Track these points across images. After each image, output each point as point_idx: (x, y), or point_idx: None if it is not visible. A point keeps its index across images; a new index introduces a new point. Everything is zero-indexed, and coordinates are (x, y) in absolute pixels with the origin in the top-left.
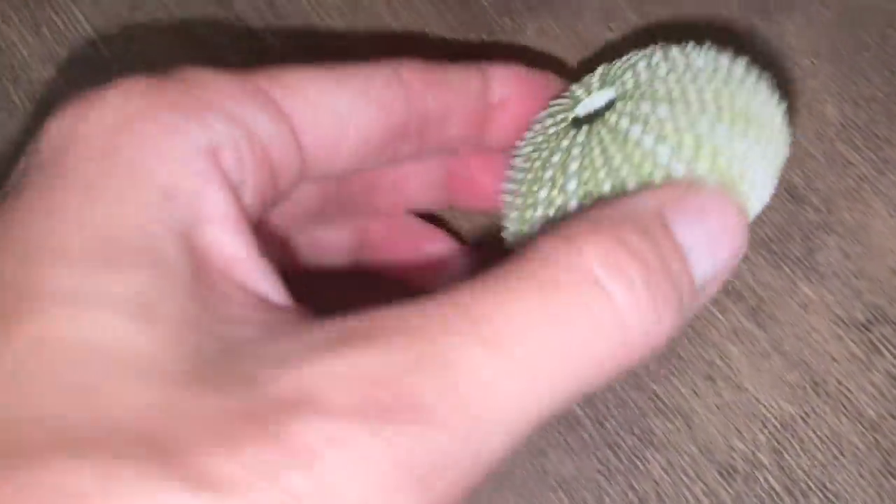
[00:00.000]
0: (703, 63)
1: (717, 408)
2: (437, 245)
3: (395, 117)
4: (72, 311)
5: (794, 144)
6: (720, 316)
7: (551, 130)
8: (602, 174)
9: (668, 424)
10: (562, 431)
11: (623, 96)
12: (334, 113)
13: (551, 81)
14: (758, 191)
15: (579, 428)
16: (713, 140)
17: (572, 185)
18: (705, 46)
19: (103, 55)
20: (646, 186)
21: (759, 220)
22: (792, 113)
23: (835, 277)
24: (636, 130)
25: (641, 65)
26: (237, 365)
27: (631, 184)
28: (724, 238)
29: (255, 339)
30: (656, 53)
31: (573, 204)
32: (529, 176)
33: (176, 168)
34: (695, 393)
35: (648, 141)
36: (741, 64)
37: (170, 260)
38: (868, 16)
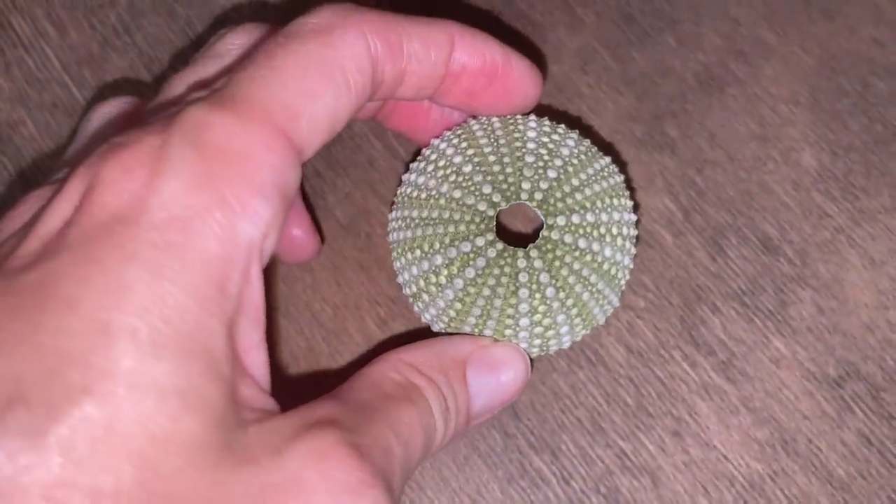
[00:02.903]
0: (612, 255)
1: (685, 465)
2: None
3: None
4: (137, 395)
5: (769, 193)
6: (690, 371)
7: (466, 219)
8: (482, 300)
9: (635, 482)
10: (527, 489)
11: (542, 247)
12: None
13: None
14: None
15: (545, 486)
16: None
17: (457, 284)
18: (631, 229)
19: (75, 97)
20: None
21: (732, 273)
22: (768, 161)
23: (808, 332)
24: (524, 297)
25: (584, 217)
26: (250, 449)
27: (491, 320)
28: (505, 390)
29: (254, 421)
30: (602, 207)
31: (446, 295)
32: (417, 234)
33: (230, 263)
34: (662, 450)
35: (525, 316)
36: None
37: (217, 353)
38: (849, 62)
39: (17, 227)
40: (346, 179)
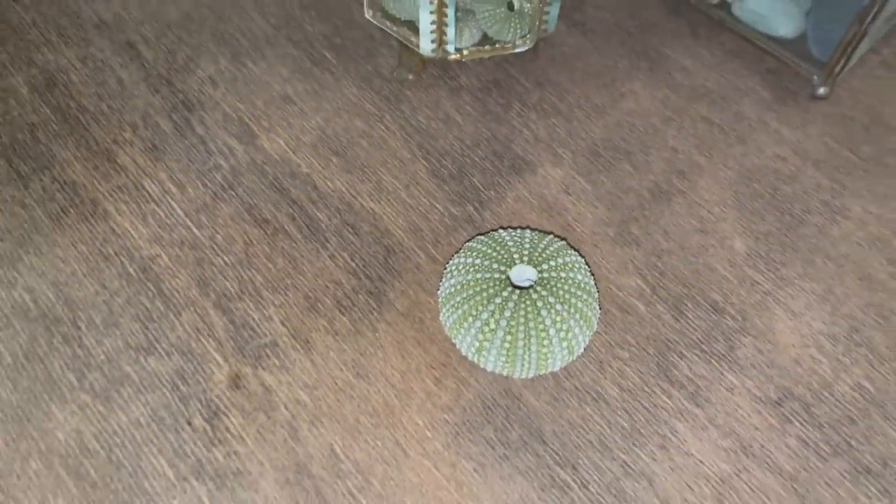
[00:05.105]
0: (582, 278)
1: (672, 470)
2: None
3: None
4: None
5: (713, 271)
6: (668, 401)
7: (489, 275)
8: (521, 329)
9: (636, 485)
10: (557, 495)
11: (543, 282)
12: None
13: None
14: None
15: (570, 492)
16: (578, 342)
17: (503, 325)
18: (584, 266)
19: (196, 235)
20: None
21: (691, 329)
22: (709, 248)
23: (752, 368)
24: (545, 315)
25: (556, 262)
26: None
27: (532, 341)
28: None
29: None
30: (562, 255)
31: (500, 335)
32: (466, 306)
33: None
34: (654, 460)
35: (552, 328)
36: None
37: None
38: (760, 173)
39: None
40: (400, 281)
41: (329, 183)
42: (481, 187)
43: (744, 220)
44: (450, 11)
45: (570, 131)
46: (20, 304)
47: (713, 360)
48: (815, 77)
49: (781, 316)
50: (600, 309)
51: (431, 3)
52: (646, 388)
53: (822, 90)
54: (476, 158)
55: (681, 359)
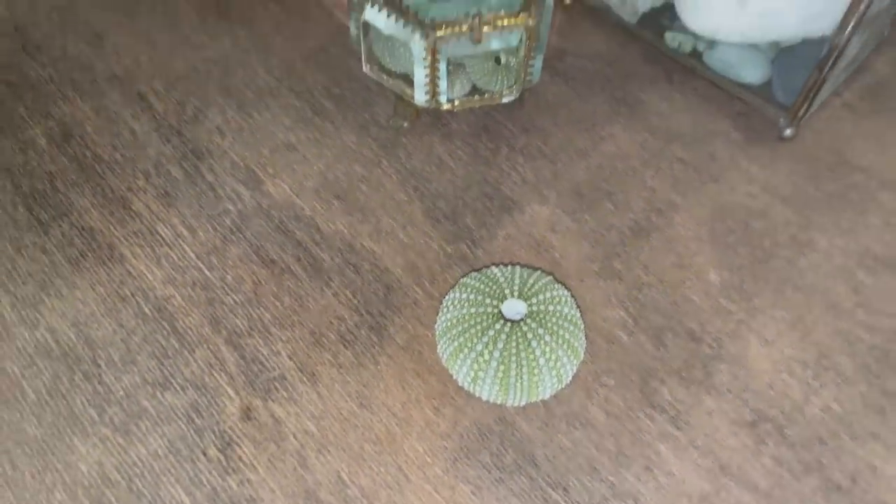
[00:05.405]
0: (569, 311)
1: (656, 490)
2: None
3: None
4: None
5: (690, 302)
6: (651, 424)
7: (483, 309)
8: (513, 360)
9: None
10: None
11: (532, 315)
12: None
13: None
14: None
15: None
16: (566, 370)
17: (496, 356)
18: (570, 299)
19: (208, 276)
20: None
21: (671, 357)
22: (686, 280)
23: (728, 392)
24: (535, 346)
25: (544, 296)
26: None
27: (524, 370)
28: None
29: None
30: (549, 290)
31: (493, 366)
32: (461, 339)
33: None
34: (639, 480)
35: (541, 358)
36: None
37: None
38: (731, 210)
39: None
40: (400, 316)
41: (331, 225)
42: (473, 227)
43: (718, 254)
44: (442, 66)
45: (555, 173)
46: (43, 343)
47: (692, 386)
48: (782, 120)
49: (754, 343)
50: (587, 339)
51: (425, 58)
52: (630, 413)
53: (788, 132)
54: (468, 199)
55: (662, 385)
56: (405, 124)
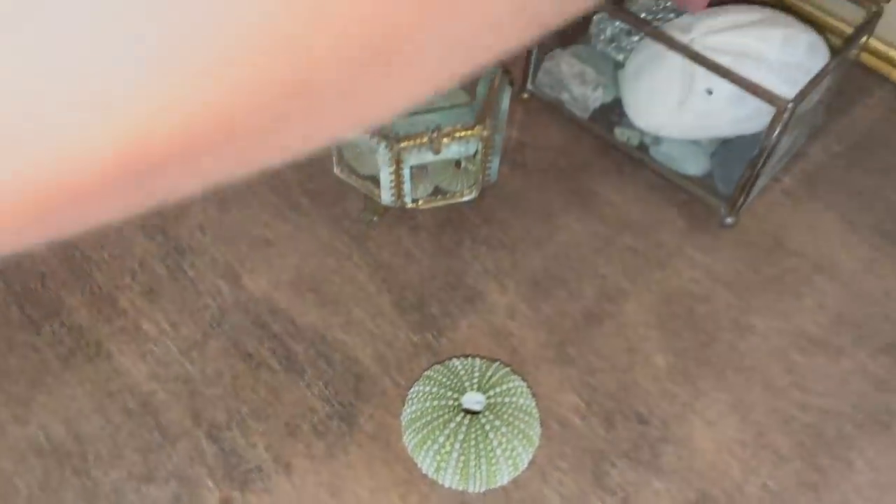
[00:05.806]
0: (525, 402)
1: None
2: None
3: None
4: None
5: (638, 385)
6: None
7: (444, 402)
8: (473, 451)
9: None
10: None
11: (490, 407)
12: None
13: None
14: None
15: None
16: (522, 458)
17: (457, 447)
18: (526, 390)
19: (189, 371)
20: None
21: (614, 439)
22: (635, 365)
23: (673, 473)
24: (492, 437)
25: (501, 388)
26: None
27: (483, 460)
28: None
29: None
30: (507, 381)
31: (454, 456)
32: (425, 431)
33: None
34: None
35: (498, 448)
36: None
37: None
38: (677, 296)
39: None
40: (368, 405)
41: (305, 318)
42: (438, 316)
43: (664, 338)
44: (406, 171)
45: (513, 263)
46: (34, 440)
47: (640, 468)
48: (722, 209)
49: (698, 424)
50: (542, 424)
51: (390, 165)
52: (583, 496)
53: (728, 220)
54: (434, 290)
55: (612, 467)
56: (374, 218)
